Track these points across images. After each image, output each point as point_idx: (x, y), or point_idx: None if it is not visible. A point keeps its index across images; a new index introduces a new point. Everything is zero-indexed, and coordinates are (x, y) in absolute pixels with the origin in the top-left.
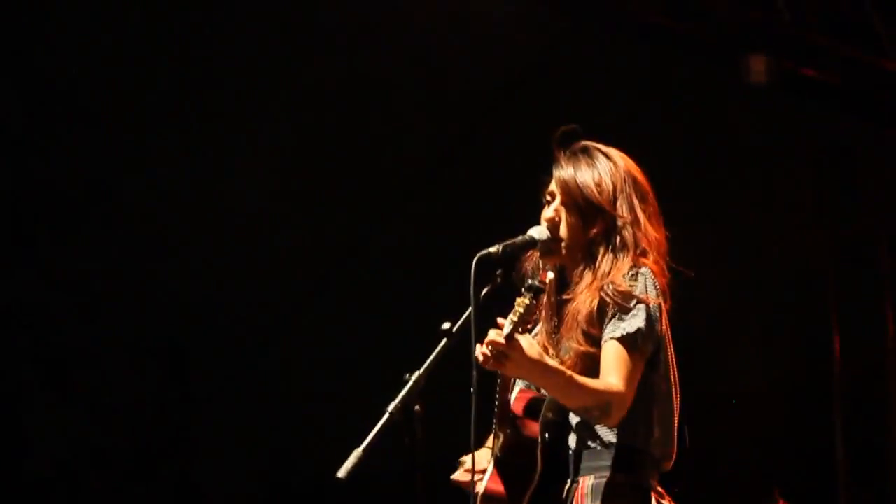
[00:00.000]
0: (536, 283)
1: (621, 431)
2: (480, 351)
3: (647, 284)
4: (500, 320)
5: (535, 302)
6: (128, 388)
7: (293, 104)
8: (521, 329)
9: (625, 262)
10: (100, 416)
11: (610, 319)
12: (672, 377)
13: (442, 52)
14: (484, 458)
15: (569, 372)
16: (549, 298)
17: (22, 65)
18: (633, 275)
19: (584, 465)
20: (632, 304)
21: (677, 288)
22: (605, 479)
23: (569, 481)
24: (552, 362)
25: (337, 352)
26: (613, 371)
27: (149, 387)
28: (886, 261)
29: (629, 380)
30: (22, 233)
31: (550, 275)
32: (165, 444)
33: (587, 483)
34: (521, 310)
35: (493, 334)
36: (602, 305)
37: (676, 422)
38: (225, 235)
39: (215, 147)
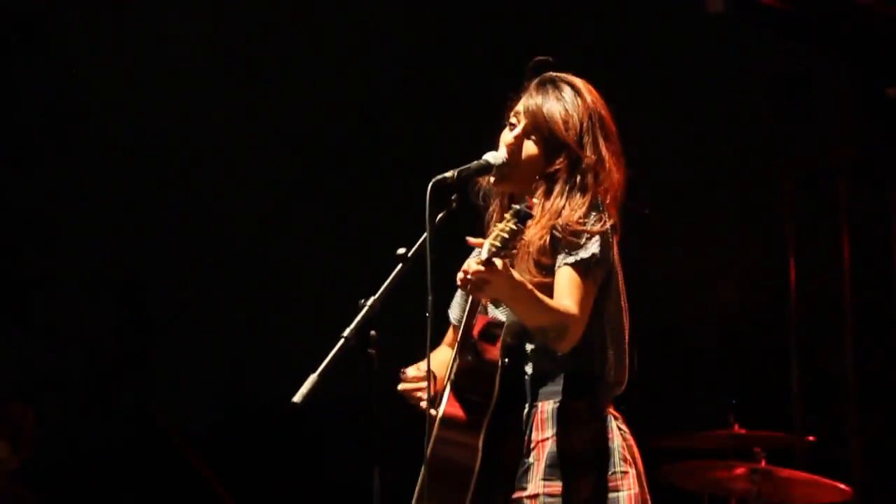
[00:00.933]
0: (524, 207)
1: (577, 358)
2: (459, 276)
3: (600, 218)
4: (471, 240)
5: (521, 227)
6: (84, 315)
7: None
8: (503, 254)
9: (580, 202)
10: (57, 344)
11: (563, 250)
12: (623, 304)
13: None
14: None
15: (534, 289)
16: (504, 208)
17: None
18: (586, 213)
19: (541, 390)
20: (583, 240)
21: (636, 219)
22: (563, 404)
23: (526, 406)
24: (520, 277)
25: (292, 278)
26: (567, 295)
27: (105, 314)
28: (844, 190)
29: (583, 304)
30: None
31: (535, 201)
32: (121, 371)
33: (546, 408)
34: (506, 234)
35: (472, 261)
36: (554, 240)
37: (627, 348)
38: (180, 161)
39: (174, 78)
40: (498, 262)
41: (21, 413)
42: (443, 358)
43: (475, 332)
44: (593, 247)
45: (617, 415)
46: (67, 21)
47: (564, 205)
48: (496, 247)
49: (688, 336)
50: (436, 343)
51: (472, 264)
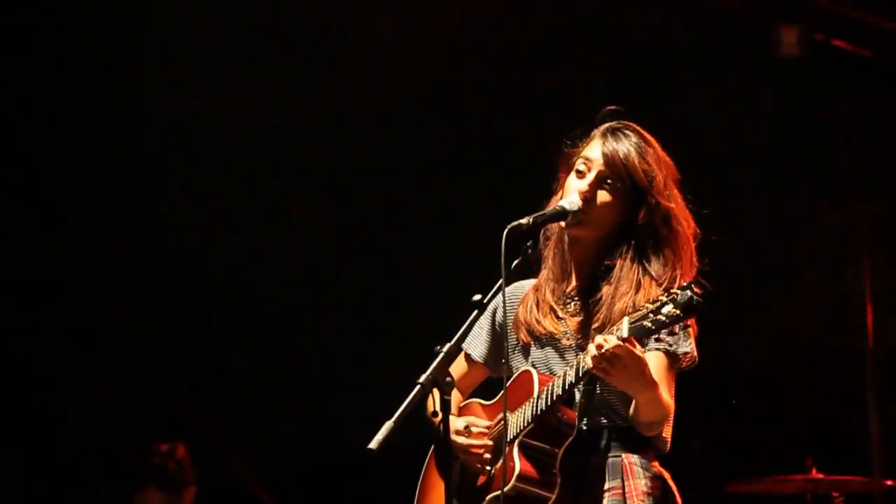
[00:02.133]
0: (694, 297)
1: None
2: (592, 351)
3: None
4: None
5: (682, 316)
6: (160, 363)
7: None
8: (648, 336)
9: (677, 265)
10: (132, 391)
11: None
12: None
13: None
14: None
15: (657, 385)
16: (567, 252)
17: (53, 42)
18: (678, 289)
19: (602, 444)
20: (677, 328)
21: (713, 264)
22: (623, 457)
23: (586, 457)
24: (651, 375)
25: (369, 325)
26: (664, 384)
27: (181, 362)
28: None
29: (672, 395)
30: (54, 208)
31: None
32: (197, 418)
33: (606, 461)
34: (664, 319)
35: (612, 337)
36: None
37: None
38: (258, 211)
39: (240, 129)
40: (638, 349)
41: (166, 453)
42: (452, 400)
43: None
44: (688, 344)
45: (668, 473)
46: (140, 66)
47: (660, 268)
48: (645, 328)
49: (766, 380)
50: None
51: (611, 339)
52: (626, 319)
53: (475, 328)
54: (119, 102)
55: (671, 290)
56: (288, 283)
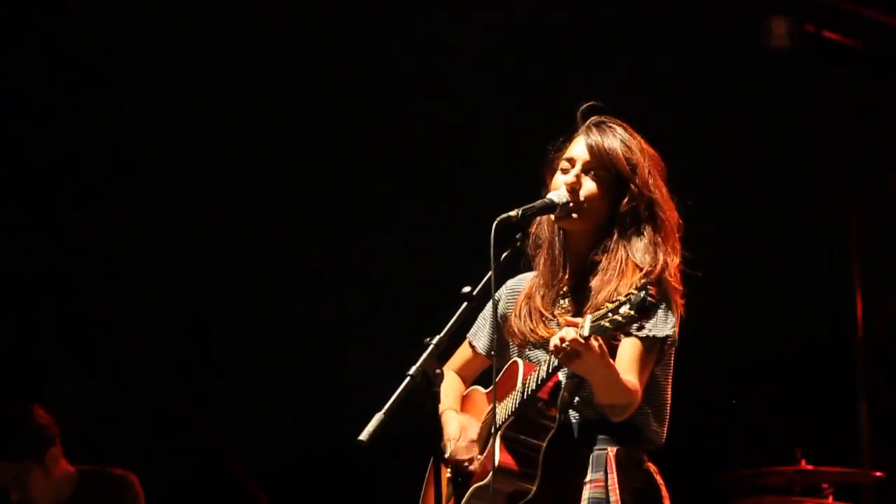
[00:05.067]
0: (648, 299)
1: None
2: (553, 343)
3: (674, 286)
4: (568, 319)
5: (637, 317)
6: (151, 355)
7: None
8: (604, 336)
9: (659, 252)
10: (123, 383)
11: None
12: (671, 369)
13: None
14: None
15: (619, 373)
16: (559, 251)
17: (45, 36)
18: (661, 275)
19: (586, 437)
20: (658, 311)
21: (702, 257)
22: (607, 451)
23: (572, 452)
24: (610, 360)
25: (358, 316)
26: (633, 370)
27: (171, 354)
28: None
29: (642, 379)
30: (45, 202)
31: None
32: (188, 410)
33: (590, 454)
34: (621, 319)
35: (572, 332)
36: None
37: (668, 405)
38: (246, 202)
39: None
40: (595, 343)
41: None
42: (455, 389)
43: (544, 392)
44: (668, 328)
45: (655, 468)
46: (132, 65)
47: (643, 254)
48: (604, 328)
49: (755, 371)
50: (444, 360)
51: (570, 332)
52: (588, 318)
53: (479, 320)
54: (110, 95)
55: (629, 292)
56: (279, 274)
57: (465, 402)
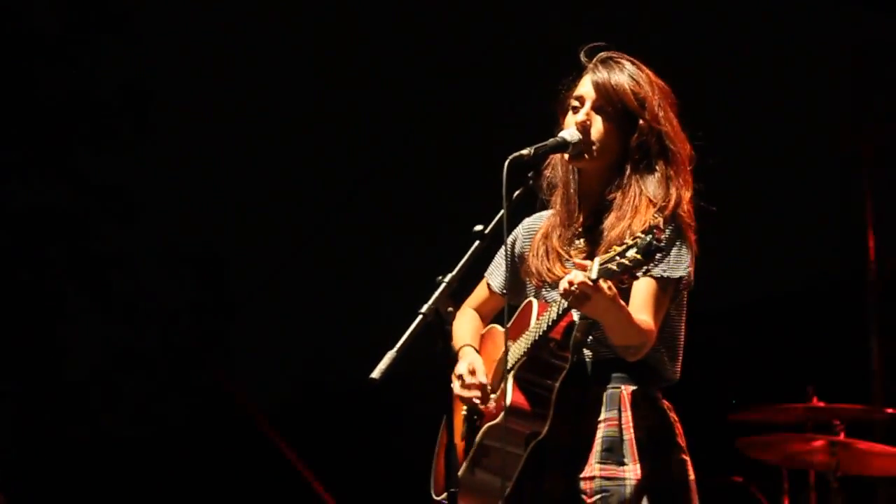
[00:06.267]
0: (654, 243)
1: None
2: (562, 286)
3: (687, 226)
4: (578, 262)
5: (644, 261)
6: (163, 293)
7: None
8: (613, 278)
9: (671, 185)
10: (135, 321)
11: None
12: (684, 307)
13: None
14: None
15: (630, 313)
16: (573, 190)
17: None
18: (675, 210)
19: (600, 375)
20: (673, 251)
21: (716, 196)
22: (620, 389)
23: (584, 390)
24: (621, 301)
25: (370, 255)
26: (646, 309)
27: (183, 292)
28: None
29: (658, 319)
30: (57, 141)
31: (667, 232)
32: (200, 348)
33: (603, 392)
34: (628, 263)
35: (580, 275)
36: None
37: (682, 344)
38: (260, 140)
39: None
40: (605, 285)
41: None
42: (473, 326)
43: (557, 332)
44: (683, 268)
45: (669, 405)
46: (143, 0)
47: (655, 189)
48: (612, 271)
49: (767, 310)
50: (457, 299)
51: (578, 276)
52: (596, 261)
53: (496, 258)
54: (123, 34)
55: (636, 235)
56: (292, 213)
57: (484, 340)
